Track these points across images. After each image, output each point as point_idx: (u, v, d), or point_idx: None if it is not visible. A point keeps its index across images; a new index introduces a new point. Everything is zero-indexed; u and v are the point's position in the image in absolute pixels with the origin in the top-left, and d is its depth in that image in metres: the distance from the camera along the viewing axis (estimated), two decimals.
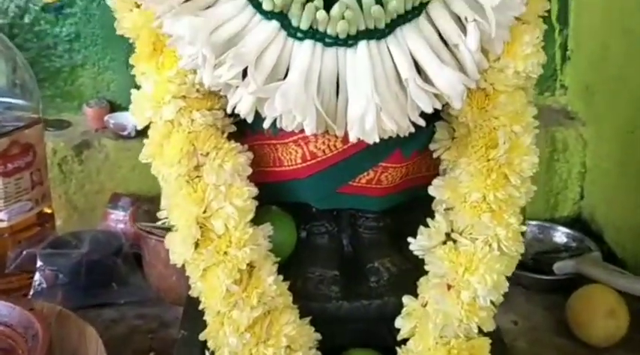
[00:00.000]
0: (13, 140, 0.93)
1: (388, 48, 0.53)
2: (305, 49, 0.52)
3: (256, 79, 0.51)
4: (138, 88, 0.61)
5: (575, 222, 1.16)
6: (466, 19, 0.53)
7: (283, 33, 0.53)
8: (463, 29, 0.54)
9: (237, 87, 0.53)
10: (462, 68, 0.55)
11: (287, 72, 0.53)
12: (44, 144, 0.99)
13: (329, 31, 0.52)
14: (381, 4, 0.51)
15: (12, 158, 0.93)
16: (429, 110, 0.54)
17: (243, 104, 0.53)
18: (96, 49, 1.14)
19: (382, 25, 0.52)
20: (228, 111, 0.56)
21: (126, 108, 1.11)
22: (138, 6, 0.58)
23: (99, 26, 1.13)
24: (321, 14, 0.50)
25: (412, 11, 0.53)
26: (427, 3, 0.53)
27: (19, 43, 1.11)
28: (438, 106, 0.55)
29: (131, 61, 0.61)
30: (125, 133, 1.10)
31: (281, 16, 0.52)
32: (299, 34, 0.52)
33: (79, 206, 1.12)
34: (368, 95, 0.51)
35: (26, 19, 1.12)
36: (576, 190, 1.16)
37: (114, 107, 1.16)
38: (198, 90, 0.59)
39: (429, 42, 0.54)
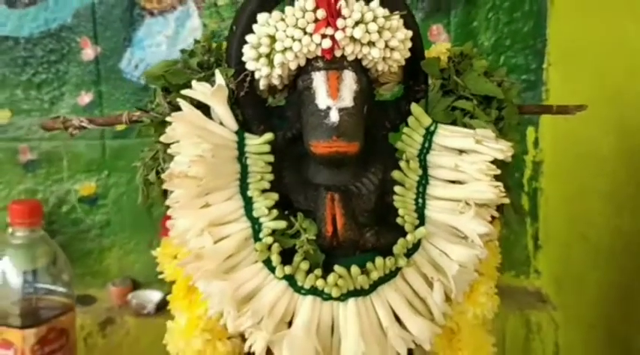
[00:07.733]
0: (51, 327, 1.06)
1: (372, 303, 0.68)
2: (307, 303, 0.67)
3: (268, 327, 0.65)
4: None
5: None
6: (432, 278, 0.69)
7: (290, 290, 0.68)
8: (431, 285, 0.69)
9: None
10: (431, 315, 0.69)
11: (292, 316, 0.68)
12: (75, 328, 1.12)
13: (326, 291, 0.67)
14: (366, 273, 0.66)
15: (49, 342, 1.06)
16: (403, 353, 0.68)
17: (257, 345, 0.67)
18: (123, 235, 1.30)
19: (367, 286, 0.67)
20: (245, 350, 0.70)
21: (148, 286, 1.28)
22: (176, 257, 0.73)
23: (127, 215, 1.30)
24: (320, 282, 0.66)
25: (390, 274, 0.68)
26: (401, 268, 0.69)
27: (56, 228, 1.28)
28: (412, 346, 0.69)
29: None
30: (145, 312, 1.24)
31: (289, 277, 0.67)
32: (303, 291, 0.67)
33: None
34: (356, 342, 0.65)
35: (64, 209, 1.29)
36: None
37: (137, 284, 1.31)
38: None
39: (405, 296, 0.69)
